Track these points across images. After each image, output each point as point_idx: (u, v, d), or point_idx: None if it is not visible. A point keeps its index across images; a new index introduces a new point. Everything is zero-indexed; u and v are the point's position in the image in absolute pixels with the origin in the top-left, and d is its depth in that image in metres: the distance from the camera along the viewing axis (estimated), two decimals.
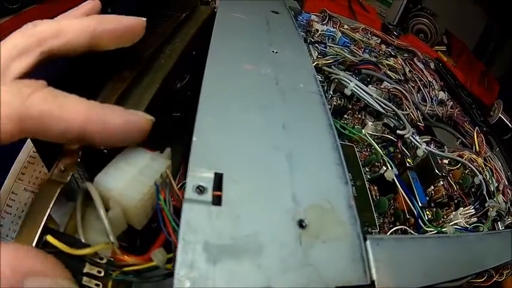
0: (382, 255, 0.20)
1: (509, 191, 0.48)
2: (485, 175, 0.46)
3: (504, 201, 0.46)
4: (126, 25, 0.23)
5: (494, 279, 0.36)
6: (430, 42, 0.94)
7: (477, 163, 0.47)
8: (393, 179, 0.36)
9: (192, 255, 0.16)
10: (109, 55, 0.23)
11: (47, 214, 0.18)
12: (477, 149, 0.52)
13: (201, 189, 0.19)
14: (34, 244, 0.17)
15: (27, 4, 0.50)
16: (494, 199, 0.44)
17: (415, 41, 0.82)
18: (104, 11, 0.32)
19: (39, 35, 0.20)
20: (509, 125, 0.72)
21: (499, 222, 0.43)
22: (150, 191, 0.20)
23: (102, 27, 0.21)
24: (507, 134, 0.72)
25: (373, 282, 0.18)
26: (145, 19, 0.23)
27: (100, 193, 0.19)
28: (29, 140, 0.20)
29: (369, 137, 0.42)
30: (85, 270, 0.18)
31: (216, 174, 0.19)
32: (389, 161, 0.38)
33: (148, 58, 0.28)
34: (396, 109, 0.44)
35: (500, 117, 0.73)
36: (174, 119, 0.34)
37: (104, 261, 0.19)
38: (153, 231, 0.20)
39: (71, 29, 0.20)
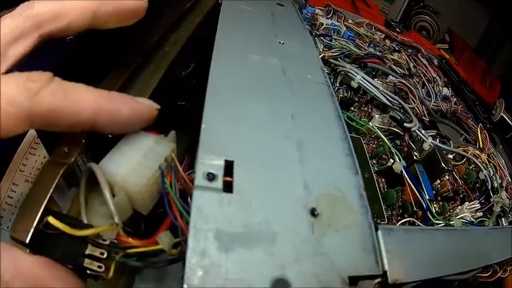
0: (393, 245, 0.19)
1: None
2: (489, 171, 0.46)
3: (508, 197, 0.46)
4: (127, 6, 0.22)
5: (499, 274, 0.36)
6: (432, 39, 0.94)
7: (481, 159, 0.47)
8: (401, 171, 0.36)
9: (203, 243, 0.16)
10: (114, 40, 0.22)
11: (48, 195, 0.17)
12: (481, 145, 0.52)
13: (211, 176, 0.18)
14: (35, 225, 0.17)
15: None
16: (498, 195, 0.44)
17: (417, 38, 0.82)
18: None
19: (38, 17, 0.19)
20: (511, 123, 0.72)
21: (502, 219, 0.43)
22: (154, 175, 0.19)
23: (104, 9, 0.20)
24: (509, 132, 0.71)
25: (385, 272, 0.18)
26: (146, 0, 0.23)
27: None
28: (30, 130, 0.20)
29: (377, 129, 0.41)
30: (87, 252, 0.17)
31: (226, 161, 0.19)
32: (398, 153, 0.37)
33: (153, 46, 0.28)
34: (403, 102, 0.44)
35: (502, 116, 0.73)
36: (179, 107, 0.34)
37: (107, 242, 0.18)
38: (159, 217, 0.20)
39: (71, 10, 0.19)
